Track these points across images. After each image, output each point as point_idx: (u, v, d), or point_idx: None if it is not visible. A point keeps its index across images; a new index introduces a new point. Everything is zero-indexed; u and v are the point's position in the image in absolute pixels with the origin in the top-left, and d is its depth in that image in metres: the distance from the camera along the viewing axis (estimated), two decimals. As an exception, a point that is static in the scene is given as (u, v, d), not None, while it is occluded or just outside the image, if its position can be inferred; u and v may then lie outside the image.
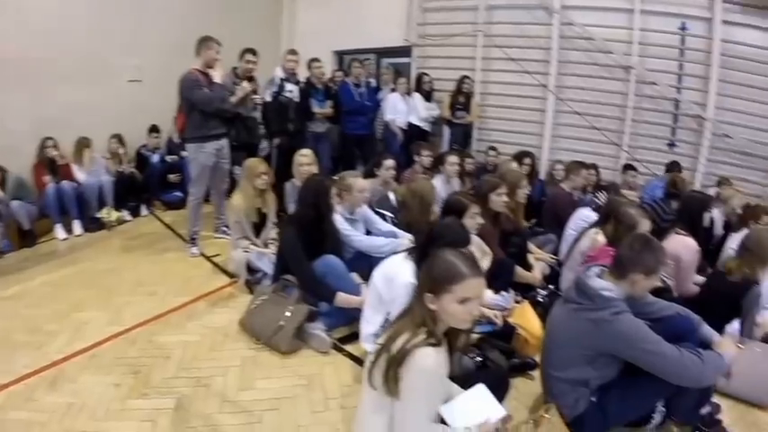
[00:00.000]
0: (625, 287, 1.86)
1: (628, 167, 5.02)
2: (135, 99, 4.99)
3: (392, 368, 1.39)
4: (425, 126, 5.49)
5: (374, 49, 6.49)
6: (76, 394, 2.12)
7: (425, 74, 5.63)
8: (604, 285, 1.85)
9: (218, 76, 3.63)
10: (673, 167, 4.75)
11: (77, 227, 4.15)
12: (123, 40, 4.89)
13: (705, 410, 2.07)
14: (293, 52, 4.69)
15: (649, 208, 3.90)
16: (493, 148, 5.36)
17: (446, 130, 5.61)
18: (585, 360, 1.87)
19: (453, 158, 4.07)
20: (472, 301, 1.42)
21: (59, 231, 4.05)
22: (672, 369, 1.76)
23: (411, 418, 1.44)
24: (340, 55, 6.71)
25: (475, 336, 2.21)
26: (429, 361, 1.39)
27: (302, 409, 2.04)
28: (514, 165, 4.43)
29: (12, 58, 4.03)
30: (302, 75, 4.84)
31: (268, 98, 4.38)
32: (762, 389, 2.35)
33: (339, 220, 2.85)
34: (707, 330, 2.09)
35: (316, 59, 4.94)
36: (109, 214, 4.32)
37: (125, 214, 4.51)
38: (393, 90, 5.45)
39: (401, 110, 5.38)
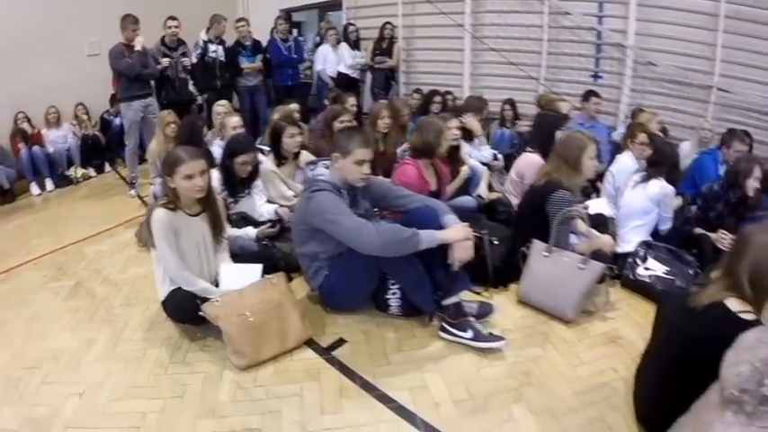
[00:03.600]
0: (337, 172, 2.18)
1: None
2: (95, 71, 5.69)
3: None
4: (353, 73, 5.93)
5: (316, 5, 6.95)
6: (17, 283, 2.98)
7: (351, 24, 6.03)
8: (321, 172, 2.20)
9: (138, 45, 4.28)
10: (587, 96, 4.48)
11: (49, 184, 4.97)
12: (81, 21, 5.60)
13: (450, 302, 2.10)
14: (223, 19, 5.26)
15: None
16: (417, 91, 5.75)
17: (368, 76, 6.04)
18: (308, 235, 2.19)
19: (352, 99, 4.58)
20: (195, 177, 2.05)
21: (34, 188, 4.90)
22: (347, 235, 2.02)
23: (164, 261, 2.08)
24: (287, 12, 7.15)
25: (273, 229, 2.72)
26: (158, 216, 2.04)
27: (149, 282, 2.69)
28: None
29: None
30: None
31: (194, 60, 4.99)
32: (562, 300, 2.23)
33: (217, 151, 3.50)
34: (448, 219, 2.15)
35: (241, 19, 5.47)
36: (76, 172, 5.15)
37: (90, 171, 5.33)
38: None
39: (330, 60, 5.87)
